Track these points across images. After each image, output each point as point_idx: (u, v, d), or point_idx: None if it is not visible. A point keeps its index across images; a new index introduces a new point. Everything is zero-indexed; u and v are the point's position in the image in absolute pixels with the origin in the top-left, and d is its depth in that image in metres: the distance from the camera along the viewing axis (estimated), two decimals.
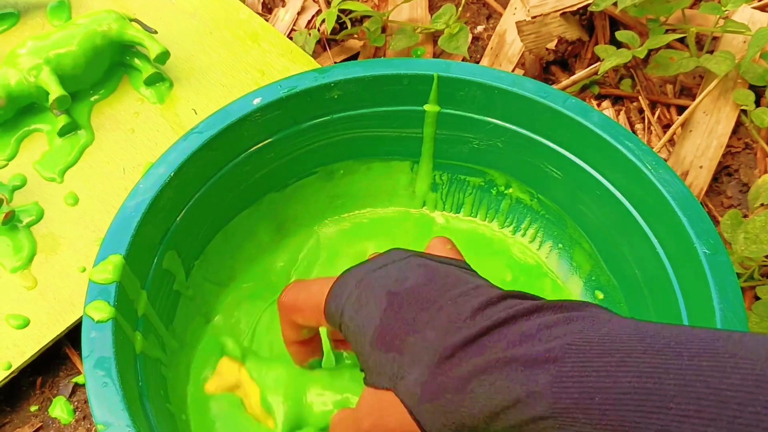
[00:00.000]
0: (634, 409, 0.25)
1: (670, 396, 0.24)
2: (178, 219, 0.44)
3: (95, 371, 0.35)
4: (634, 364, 0.25)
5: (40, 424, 0.46)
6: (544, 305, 0.29)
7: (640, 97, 0.59)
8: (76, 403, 0.46)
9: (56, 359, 0.48)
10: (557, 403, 0.26)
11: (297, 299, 0.37)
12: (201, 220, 0.45)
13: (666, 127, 0.58)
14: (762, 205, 0.51)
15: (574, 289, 0.49)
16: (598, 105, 0.59)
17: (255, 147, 0.46)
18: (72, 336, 0.48)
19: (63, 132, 0.53)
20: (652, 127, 0.58)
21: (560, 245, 0.50)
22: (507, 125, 0.48)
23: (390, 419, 0.31)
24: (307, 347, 0.41)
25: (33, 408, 0.46)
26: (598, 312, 0.29)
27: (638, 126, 0.58)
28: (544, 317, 0.29)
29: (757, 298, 0.49)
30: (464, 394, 0.28)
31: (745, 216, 0.53)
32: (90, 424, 0.46)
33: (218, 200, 0.46)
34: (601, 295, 0.48)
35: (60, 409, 0.46)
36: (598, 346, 0.26)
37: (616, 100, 0.60)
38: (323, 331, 0.42)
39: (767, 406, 0.22)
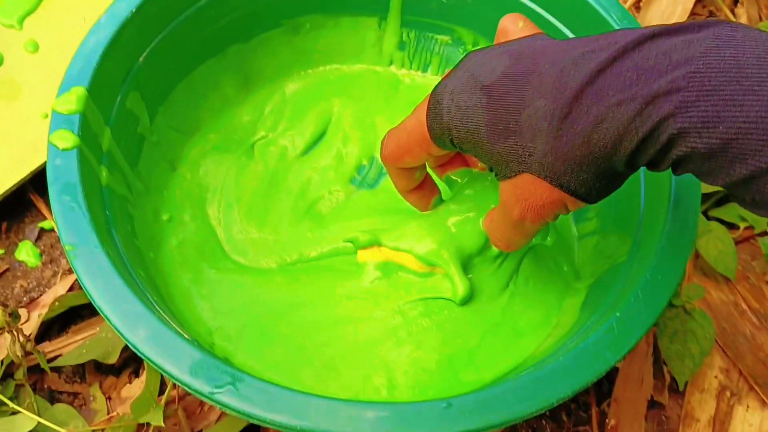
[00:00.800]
0: (758, 138, 0.24)
1: None
2: (140, 59, 0.43)
3: (61, 196, 0.36)
4: (763, 93, 0.24)
5: (6, 267, 0.46)
6: (655, 32, 0.27)
7: None
8: (42, 248, 0.47)
9: (21, 206, 0.48)
10: (681, 131, 0.26)
11: (399, 144, 0.36)
12: (164, 63, 0.45)
13: None
14: None
15: None
16: None
17: None
18: (36, 182, 0.48)
19: None
20: None
21: None
22: None
23: (536, 198, 0.31)
24: (424, 189, 0.40)
25: None
26: (720, 30, 0.26)
27: None
28: (659, 45, 0.27)
29: None
30: (590, 146, 0.28)
31: None
32: (57, 267, 0.46)
33: (182, 45, 0.45)
34: None
35: (26, 253, 0.46)
36: (724, 74, 0.25)
37: None
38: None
39: None
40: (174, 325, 0.35)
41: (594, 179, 0.29)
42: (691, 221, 0.38)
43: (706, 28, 0.27)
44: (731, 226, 0.50)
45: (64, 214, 0.35)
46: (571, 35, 0.46)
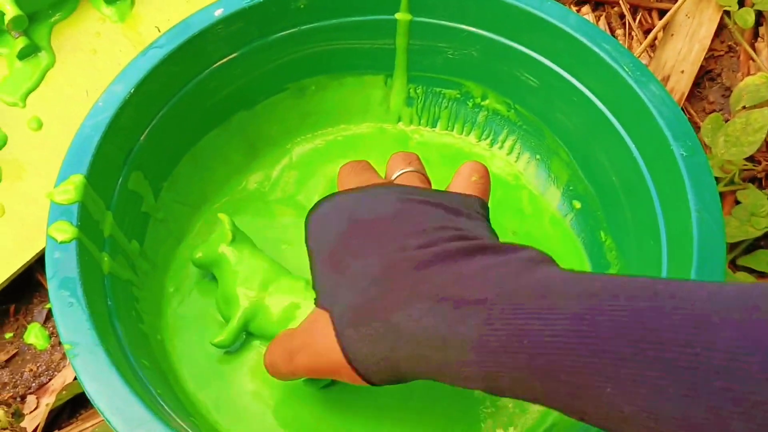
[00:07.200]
0: (566, 353, 0.24)
1: (605, 339, 0.23)
2: (141, 139, 0.42)
3: (60, 292, 0.35)
4: (566, 307, 0.24)
5: (15, 351, 0.45)
6: (488, 246, 0.29)
7: (621, 1, 0.57)
8: (51, 329, 0.46)
9: (29, 286, 0.47)
10: (484, 346, 0.25)
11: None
12: (167, 140, 0.44)
13: (647, 32, 0.57)
14: (744, 107, 0.50)
15: (552, 200, 0.48)
16: (578, 10, 0.58)
17: (219, 62, 0.45)
18: (43, 262, 0.47)
19: (23, 55, 0.51)
20: (633, 33, 0.56)
21: (538, 156, 0.49)
22: (481, 32, 0.46)
23: (319, 341, 0.31)
24: None
25: (8, 335, 0.46)
26: (539, 257, 0.28)
27: (619, 32, 0.57)
28: (485, 259, 0.28)
29: (738, 203, 0.49)
30: (390, 325, 0.28)
31: (727, 120, 0.52)
32: None
33: (184, 119, 0.44)
34: (578, 205, 0.47)
35: (35, 336, 0.46)
36: (531, 290, 0.26)
37: (597, 6, 0.58)
38: None
39: (707, 347, 0.21)
40: (178, 421, 0.34)
41: (374, 362, 0.29)
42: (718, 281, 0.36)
43: (531, 253, 0.28)
44: (761, 275, 0.48)
45: (63, 311, 0.34)
46: (581, 87, 0.44)
